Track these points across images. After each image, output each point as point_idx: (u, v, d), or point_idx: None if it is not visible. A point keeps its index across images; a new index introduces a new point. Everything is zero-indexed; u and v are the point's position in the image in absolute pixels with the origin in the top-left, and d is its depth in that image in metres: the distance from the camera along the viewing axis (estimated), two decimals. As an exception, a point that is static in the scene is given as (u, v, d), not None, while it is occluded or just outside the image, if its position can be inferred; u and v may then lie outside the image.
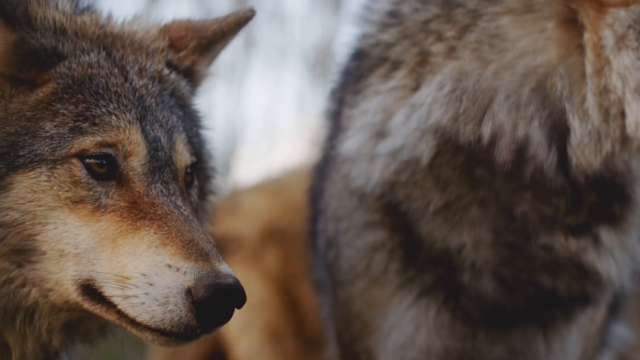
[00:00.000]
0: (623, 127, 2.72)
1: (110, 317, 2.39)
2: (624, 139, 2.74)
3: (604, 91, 2.72)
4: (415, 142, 2.89)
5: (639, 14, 2.68)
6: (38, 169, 2.37)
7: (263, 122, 11.16)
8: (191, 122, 2.70)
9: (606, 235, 2.93)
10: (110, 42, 2.61)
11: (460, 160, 2.87)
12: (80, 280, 2.38)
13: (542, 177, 2.81)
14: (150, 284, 2.30)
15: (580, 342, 3.18)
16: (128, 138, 2.44)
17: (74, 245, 2.37)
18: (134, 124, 2.46)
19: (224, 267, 2.34)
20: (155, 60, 2.66)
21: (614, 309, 3.41)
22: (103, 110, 2.44)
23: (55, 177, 2.38)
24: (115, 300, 2.34)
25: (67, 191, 2.38)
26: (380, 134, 2.98)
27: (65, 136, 2.40)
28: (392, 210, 3.00)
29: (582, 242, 2.91)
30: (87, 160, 2.40)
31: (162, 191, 2.44)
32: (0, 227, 2.36)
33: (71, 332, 2.54)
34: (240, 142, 10.62)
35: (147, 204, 2.41)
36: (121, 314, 2.36)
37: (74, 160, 2.40)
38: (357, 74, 3.13)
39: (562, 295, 2.97)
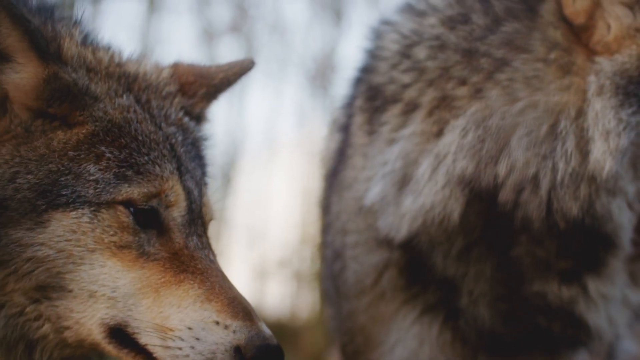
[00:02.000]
0: (588, 165, 2.74)
1: None
2: (591, 179, 2.75)
3: (583, 132, 2.75)
4: (445, 200, 2.88)
5: (620, 65, 2.74)
6: (80, 210, 2.37)
7: (263, 133, 11.16)
8: (206, 171, 2.74)
9: (592, 284, 2.93)
10: (133, 83, 2.63)
11: (482, 206, 2.86)
12: (111, 323, 2.39)
13: (529, 221, 2.81)
14: (197, 339, 2.35)
15: None
16: (172, 188, 2.48)
17: (111, 288, 2.38)
18: (175, 174, 2.50)
19: (266, 328, 2.41)
20: (173, 107, 2.70)
21: (624, 328, 3.40)
22: (145, 158, 2.46)
23: (98, 221, 2.38)
24: (153, 349, 2.37)
25: (112, 235, 2.39)
26: (403, 182, 2.97)
27: (111, 182, 2.40)
28: (412, 248, 3.00)
29: (573, 290, 2.91)
30: (134, 208, 2.42)
31: (197, 244, 2.49)
32: (29, 262, 2.36)
33: None
34: (241, 153, 10.62)
35: (187, 256, 2.45)
36: None
37: (121, 207, 2.41)
38: (372, 105, 3.12)
39: (558, 336, 2.97)
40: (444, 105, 2.92)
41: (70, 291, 2.38)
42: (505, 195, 2.79)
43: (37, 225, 2.35)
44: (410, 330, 3.05)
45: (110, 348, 2.41)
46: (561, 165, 2.75)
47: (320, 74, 10.67)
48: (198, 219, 2.55)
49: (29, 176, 2.36)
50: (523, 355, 3.05)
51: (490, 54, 2.88)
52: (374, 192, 3.04)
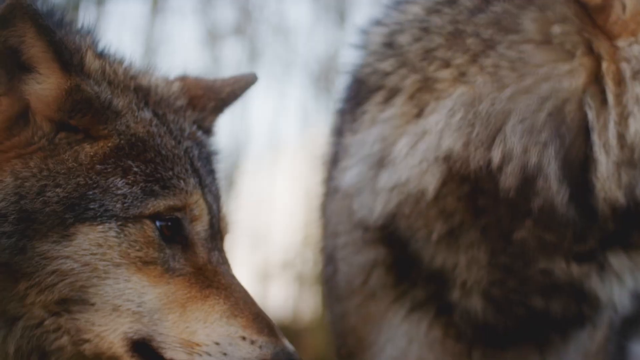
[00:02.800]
0: (631, 147, 2.73)
1: None
2: (631, 165, 2.74)
3: (622, 119, 2.74)
4: (421, 174, 2.88)
5: None
6: (107, 224, 2.39)
7: (267, 135, 11.15)
8: (219, 185, 2.77)
9: (616, 260, 2.91)
10: (149, 97, 2.65)
11: (466, 190, 2.86)
12: (135, 337, 2.41)
13: (551, 209, 2.79)
14: (225, 354, 2.39)
15: (580, 359, 3.15)
16: (196, 202, 2.51)
17: (137, 303, 2.39)
18: (198, 189, 2.53)
19: (289, 344, 2.46)
20: (186, 121, 2.73)
21: (633, 328, 3.41)
22: (170, 173, 2.49)
23: (125, 235, 2.40)
24: None
25: (138, 250, 2.41)
26: (380, 164, 2.98)
27: (139, 196, 2.42)
28: (391, 234, 3.00)
29: (585, 268, 2.90)
30: (159, 223, 2.44)
31: (219, 259, 2.53)
32: (53, 274, 2.36)
33: None
34: (244, 155, 10.61)
35: (211, 271, 2.48)
36: None
37: (147, 221, 2.43)
38: (355, 101, 3.14)
39: (555, 316, 2.96)
40: (425, 87, 2.92)
41: (93, 304, 2.39)
42: (508, 182, 2.77)
43: (64, 238, 2.36)
44: (399, 329, 3.06)
45: None
46: (602, 157, 2.73)
47: (324, 76, 10.66)
48: (217, 233, 2.58)
49: (58, 189, 2.37)
50: (515, 347, 3.04)
51: (478, 34, 2.88)
52: (350, 175, 3.05)
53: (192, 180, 2.53)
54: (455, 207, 2.87)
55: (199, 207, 2.52)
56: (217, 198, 2.65)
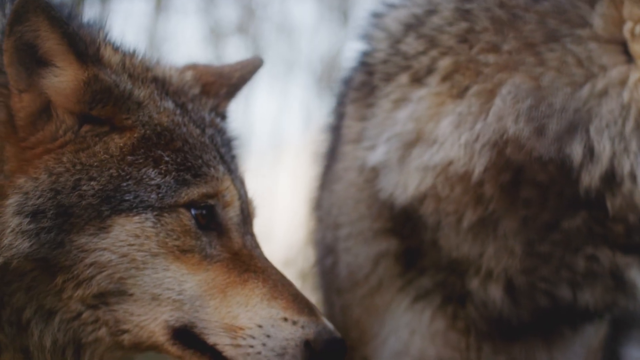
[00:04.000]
0: None
1: None
2: None
3: None
4: (471, 155, 2.86)
5: None
6: (144, 215, 2.41)
7: (269, 134, 11.16)
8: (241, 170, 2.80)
9: None
10: (167, 87, 2.67)
11: (507, 178, 2.85)
12: (176, 325, 2.43)
13: (625, 210, 2.81)
14: (268, 336, 2.42)
15: (584, 354, 3.18)
16: (227, 188, 2.54)
17: (177, 291, 2.42)
18: (227, 175, 2.56)
19: (329, 322, 2.50)
20: (204, 108, 2.75)
21: (628, 330, 3.43)
22: (199, 161, 2.51)
23: (162, 225, 2.42)
24: (223, 348, 2.42)
25: (175, 239, 2.43)
26: (413, 143, 2.96)
27: (172, 186, 2.44)
28: (407, 220, 2.99)
29: (629, 258, 2.91)
30: (195, 211, 2.47)
31: (252, 243, 2.56)
32: (91, 267, 2.38)
33: None
34: (247, 154, 10.62)
35: (247, 255, 2.52)
36: None
37: (183, 210, 2.45)
38: (368, 87, 3.12)
39: (581, 307, 2.96)
40: (465, 69, 2.90)
41: (131, 295, 2.42)
42: (592, 182, 2.77)
43: (101, 230, 2.38)
44: (402, 319, 3.05)
45: (174, 349, 2.46)
46: None
47: (327, 75, 10.67)
48: (248, 217, 2.61)
49: (92, 182, 2.39)
50: (523, 340, 3.05)
51: (540, 23, 2.85)
52: (378, 153, 3.03)
53: (221, 167, 2.55)
54: (492, 194, 2.86)
55: (230, 193, 2.54)
56: (242, 183, 2.68)
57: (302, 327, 2.44)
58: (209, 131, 2.65)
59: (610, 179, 2.78)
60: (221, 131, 2.75)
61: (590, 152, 2.77)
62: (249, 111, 10.80)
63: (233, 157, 2.73)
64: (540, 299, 2.95)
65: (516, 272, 2.91)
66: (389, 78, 3.05)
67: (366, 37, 3.23)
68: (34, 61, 2.42)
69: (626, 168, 2.77)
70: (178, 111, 2.59)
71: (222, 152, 2.63)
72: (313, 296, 3.66)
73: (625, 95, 2.76)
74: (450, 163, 2.88)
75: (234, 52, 10.41)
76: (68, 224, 2.37)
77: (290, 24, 10.87)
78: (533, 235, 2.87)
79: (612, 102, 2.77)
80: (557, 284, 2.92)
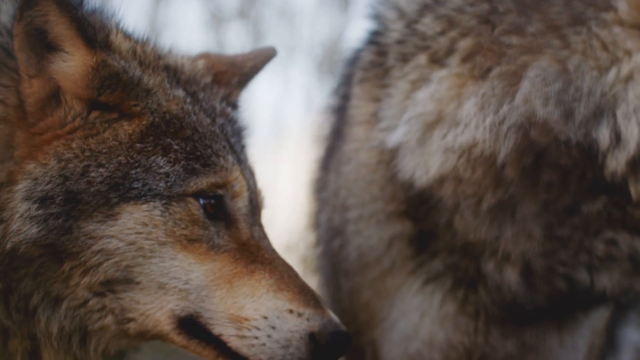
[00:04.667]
0: None
1: (207, 352, 2.47)
2: None
3: None
4: (496, 137, 2.83)
5: None
6: (152, 203, 2.40)
7: (271, 120, 11.15)
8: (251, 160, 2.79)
9: None
10: (178, 76, 2.66)
11: (529, 162, 2.83)
12: (182, 314, 2.43)
13: None
14: (273, 327, 2.41)
15: (590, 337, 3.19)
16: (236, 179, 2.53)
17: (183, 280, 2.42)
18: (237, 165, 2.55)
19: (334, 315, 2.50)
20: (216, 98, 2.74)
21: (626, 312, 3.43)
22: (209, 150, 2.51)
23: (170, 214, 2.42)
24: (228, 339, 2.42)
25: (183, 228, 2.42)
26: (435, 124, 2.93)
27: (181, 174, 2.44)
28: (423, 202, 2.98)
29: None
30: (203, 201, 2.46)
31: (260, 234, 2.56)
32: (98, 254, 2.38)
33: (111, 354, 2.59)
34: (248, 140, 10.60)
35: (254, 246, 2.51)
36: (225, 352, 2.44)
37: (191, 199, 2.45)
38: (380, 69, 3.09)
39: (598, 291, 2.95)
40: (487, 50, 2.87)
41: (138, 283, 2.41)
42: (618, 167, 2.76)
43: (108, 217, 2.38)
44: (412, 302, 3.05)
45: (179, 339, 2.46)
46: None
47: (328, 60, 10.65)
48: (256, 208, 2.61)
49: (101, 169, 2.39)
50: (535, 324, 3.05)
51: (566, 5, 2.83)
52: (398, 134, 3.00)
53: (231, 157, 2.55)
54: (513, 177, 2.84)
55: (239, 183, 2.54)
56: (252, 173, 2.67)
57: (308, 319, 2.44)
58: (220, 120, 2.64)
59: (637, 164, 2.76)
60: (232, 121, 2.74)
61: (617, 137, 2.75)
62: (250, 97, 10.78)
63: (243, 147, 2.73)
64: (558, 282, 2.94)
65: (534, 256, 2.90)
66: (405, 58, 3.02)
67: (377, 16, 3.19)
68: (44, 46, 2.41)
69: None
70: (188, 100, 2.58)
71: (232, 141, 2.63)
72: (312, 279, 3.66)
73: None
74: (474, 145, 2.86)
75: (235, 37, 10.39)
76: (76, 211, 2.36)
77: (291, 9, 10.85)
78: (553, 218, 2.86)
79: (639, 87, 2.75)
80: (575, 268, 2.91)
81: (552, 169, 2.82)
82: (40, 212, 2.34)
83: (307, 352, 2.42)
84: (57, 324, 2.42)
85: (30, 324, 2.42)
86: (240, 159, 2.62)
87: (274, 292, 2.45)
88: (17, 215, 2.34)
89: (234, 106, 2.85)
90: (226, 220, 2.51)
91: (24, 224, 2.34)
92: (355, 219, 3.12)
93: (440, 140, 2.91)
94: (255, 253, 2.50)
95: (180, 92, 2.58)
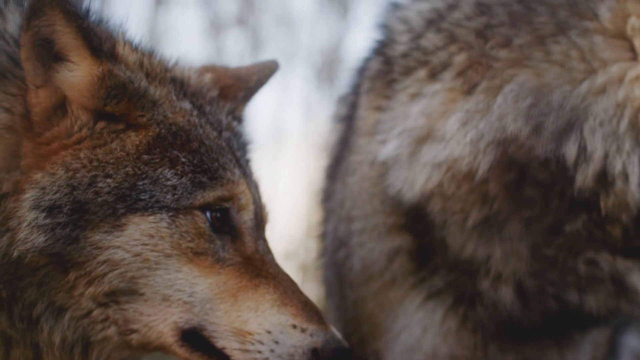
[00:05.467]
0: None
1: None
2: None
3: None
4: (475, 153, 2.84)
5: None
6: (159, 215, 2.40)
7: (270, 126, 11.15)
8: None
9: None
10: (185, 88, 2.66)
11: (512, 177, 2.83)
12: (185, 327, 2.43)
13: (618, 210, 2.78)
14: (276, 342, 2.42)
15: (591, 351, 3.19)
16: (242, 192, 2.53)
17: (188, 293, 2.42)
18: (243, 179, 2.56)
19: (336, 331, 2.51)
20: (222, 112, 2.75)
21: (629, 321, 3.40)
22: (216, 164, 2.51)
23: (176, 226, 2.41)
24: (231, 352, 2.42)
25: (189, 241, 2.43)
26: (424, 139, 2.94)
27: (188, 187, 2.44)
28: (418, 216, 2.97)
29: (630, 262, 2.90)
30: (210, 214, 2.47)
31: (265, 248, 2.56)
32: (104, 264, 2.38)
33: None
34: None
35: (259, 260, 2.51)
36: None
37: (198, 212, 2.45)
38: (386, 78, 3.10)
39: (586, 312, 2.95)
40: (478, 64, 2.87)
41: (142, 295, 2.41)
42: (585, 181, 2.74)
43: (115, 228, 2.38)
44: (414, 317, 3.04)
45: (181, 351, 2.46)
46: None
47: (327, 67, 10.66)
48: (261, 222, 2.61)
49: (108, 180, 2.39)
50: (534, 341, 3.04)
51: (551, 14, 2.82)
52: (389, 147, 3.01)
53: (237, 171, 2.55)
54: (497, 193, 2.83)
55: (246, 196, 2.54)
56: (257, 187, 2.68)
57: (311, 334, 2.45)
58: (226, 134, 2.65)
59: (603, 178, 2.75)
60: (237, 135, 2.74)
61: (584, 152, 2.75)
62: (249, 103, 10.77)
63: (248, 161, 2.73)
64: (549, 302, 2.94)
65: (525, 275, 2.90)
66: (408, 72, 3.03)
67: (385, 27, 3.20)
68: (50, 56, 2.42)
69: (618, 168, 2.73)
70: (195, 112, 2.59)
71: (237, 155, 2.63)
72: (317, 291, 3.65)
73: (621, 94, 2.73)
74: (456, 161, 2.86)
75: (233, 45, 10.40)
76: (83, 220, 2.37)
77: (290, 16, 10.86)
78: (538, 237, 2.86)
79: (608, 100, 2.74)
80: (564, 289, 2.92)
81: (533, 185, 2.82)
82: (47, 221, 2.35)
83: None
84: (59, 334, 2.42)
85: (33, 333, 2.42)
86: (246, 173, 2.63)
87: (278, 307, 2.45)
88: (25, 224, 2.34)
89: (240, 120, 2.86)
90: (232, 233, 2.51)
91: (31, 233, 2.34)
92: (359, 231, 3.13)
93: (427, 155, 2.92)
94: (259, 267, 2.50)
95: (186, 105, 2.58)
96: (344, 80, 3.57)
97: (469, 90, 2.88)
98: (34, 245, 2.34)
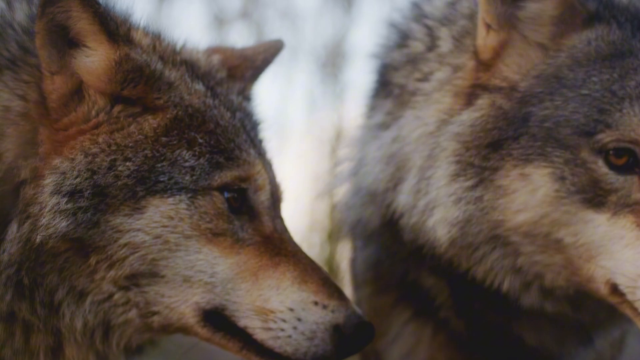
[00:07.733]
0: None
1: (231, 345, 2.49)
2: None
3: None
4: (364, 206, 2.98)
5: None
6: (178, 196, 2.42)
7: (273, 121, 11.15)
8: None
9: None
10: (197, 70, 2.68)
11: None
12: (207, 307, 2.45)
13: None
14: (299, 319, 2.44)
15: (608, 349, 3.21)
16: (259, 172, 2.56)
17: (209, 274, 2.44)
18: (258, 158, 2.58)
19: (356, 307, 2.53)
20: (232, 92, 2.77)
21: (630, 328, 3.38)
22: (232, 144, 2.53)
23: (195, 207, 2.43)
24: (253, 331, 2.45)
25: (208, 222, 2.44)
26: (354, 171, 3.03)
27: (205, 168, 2.46)
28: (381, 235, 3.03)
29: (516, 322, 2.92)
30: (227, 194, 2.49)
31: (282, 227, 2.59)
32: (125, 247, 2.40)
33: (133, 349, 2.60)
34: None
35: (277, 239, 2.54)
36: (249, 344, 2.46)
37: (216, 193, 2.47)
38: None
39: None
40: (401, 96, 2.93)
41: (163, 277, 2.43)
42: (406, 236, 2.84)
43: (135, 211, 2.40)
44: (406, 328, 3.08)
45: (203, 331, 2.48)
46: None
47: (331, 62, 10.65)
48: (277, 201, 2.64)
49: (128, 163, 2.41)
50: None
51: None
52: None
53: (252, 151, 2.57)
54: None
55: (262, 176, 2.56)
56: (271, 166, 2.69)
57: (332, 311, 2.46)
58: (239, 114, 2.66)
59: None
60: (249, 114, 2.76)
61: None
62: (256, 83, 10.75)
63: (261, 141, 2.75)
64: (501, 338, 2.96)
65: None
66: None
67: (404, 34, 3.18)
68: (65, 42, 2.43)
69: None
70: (209, 94, 2.60)
71: (251, 135, 2.65)
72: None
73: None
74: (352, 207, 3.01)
75: (237, 39, 10.38)
76: (104, 204, 2.38)
77: (294, 10, 10.84)
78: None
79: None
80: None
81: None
82: (69, 205, 2.36)
83: (332, 343, 2.45)
84: (81, 319, 2.44)
85: (54, 319, 2.44)
86: (261, 153, 2.65)
87: (299, 284, 2.47)
88: (47, 210, 2.36)
89: (249, 99, 2.88)
90: (249, 213, 2.53)
91: (53, 218, 2.36)
92: (360, 234, 3.16)
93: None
94: (278, 246, 2.52)
95: (200, 86, 2.60)
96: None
97: (385, 126, 2.99)
98: (57, 230, 2.36)
